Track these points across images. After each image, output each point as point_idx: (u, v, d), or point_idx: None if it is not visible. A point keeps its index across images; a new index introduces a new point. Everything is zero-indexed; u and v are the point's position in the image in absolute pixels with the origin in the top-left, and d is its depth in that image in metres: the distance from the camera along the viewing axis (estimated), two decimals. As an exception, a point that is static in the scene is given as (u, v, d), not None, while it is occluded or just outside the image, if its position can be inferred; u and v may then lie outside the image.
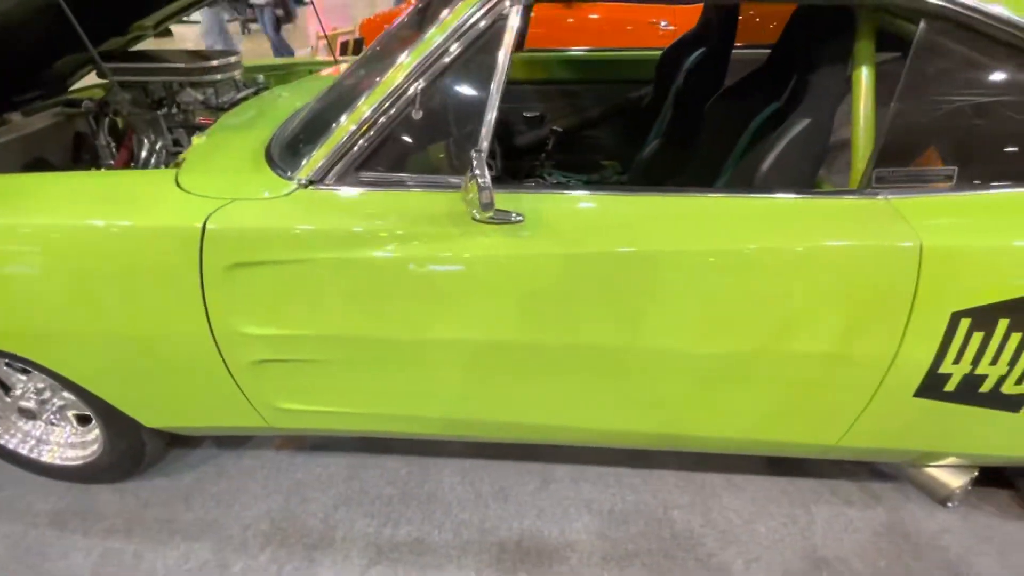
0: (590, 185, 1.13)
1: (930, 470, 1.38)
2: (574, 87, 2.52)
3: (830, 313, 1.06)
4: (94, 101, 1.93)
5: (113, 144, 2.00)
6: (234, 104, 1.81)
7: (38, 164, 1.84)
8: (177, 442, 1.79)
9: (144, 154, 1.93)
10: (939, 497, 1.38)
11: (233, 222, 1.11)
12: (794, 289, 1.05)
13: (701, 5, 1.94)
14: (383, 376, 1.23)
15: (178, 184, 1.21)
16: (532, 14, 1.13)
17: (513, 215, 1.08)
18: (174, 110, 1.85)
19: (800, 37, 1.37)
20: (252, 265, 1.12)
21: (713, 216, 1.07)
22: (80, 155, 2.05)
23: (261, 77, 2.08)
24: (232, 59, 1.84)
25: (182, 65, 1.74)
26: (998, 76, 1.02)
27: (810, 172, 1.19)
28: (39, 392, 1.53)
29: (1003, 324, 1.00)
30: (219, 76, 1.80)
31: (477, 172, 0.96)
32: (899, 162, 1.05)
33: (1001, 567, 1.43)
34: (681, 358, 1.15)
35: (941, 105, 1.03)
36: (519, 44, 2.51)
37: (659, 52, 2.28)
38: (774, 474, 1.69)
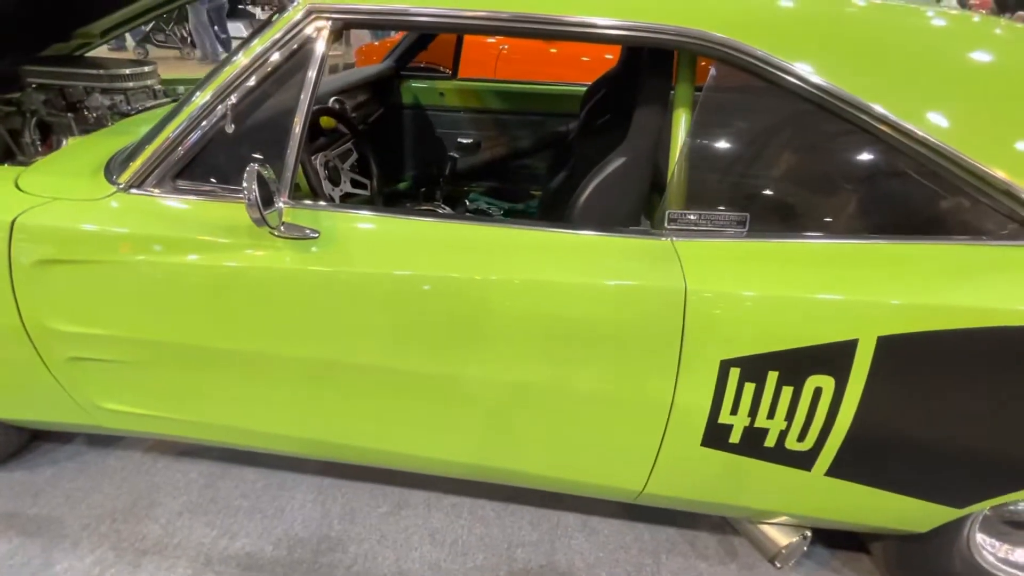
0: (396, 209, 1.14)
1: (762, 526, 1.32)
2: (508, 117, 2.56)
3: (601, 352, 1.03)
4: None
5: (39, 142, 2.09)
6: (140, 112, 1.87)
7: None
8: (47, 438, 1.80)
9: (61, 153, 2.00)
10: (768, 555, 1.31)
11: (44, 220, 1.14)
12: (562, 323, 1.03)
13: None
14: (188, 382, 1.24)
15: (15, 182, 1.25)
16: (339, 38, 1.16)
17: (308, 231, 1.09)
18: (85, 113, 1.92)
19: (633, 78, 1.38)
20: (59, 263, 1.14)
21: (496, 246, 1.06)
22: (11, 150, 2.14)
23: (182, 88, 2.15)
24: (146, 69, 1.91)
25: (91, 71, 1.81)
26: (789, 128, 1.01)
27: (626, 208, 1.17)
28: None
29: (773, 376, 0.97)
30: (130, 84, 1.87)
31: (246, 186, 0.97)
32: (691, 204, 1.04)
33: (840, 637, 1.36)
34: (447, 382, 1.13)
35: (730, 151, 1.02)
36: (453, 71, 2.56)
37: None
38: (634, 519, 1.64)
